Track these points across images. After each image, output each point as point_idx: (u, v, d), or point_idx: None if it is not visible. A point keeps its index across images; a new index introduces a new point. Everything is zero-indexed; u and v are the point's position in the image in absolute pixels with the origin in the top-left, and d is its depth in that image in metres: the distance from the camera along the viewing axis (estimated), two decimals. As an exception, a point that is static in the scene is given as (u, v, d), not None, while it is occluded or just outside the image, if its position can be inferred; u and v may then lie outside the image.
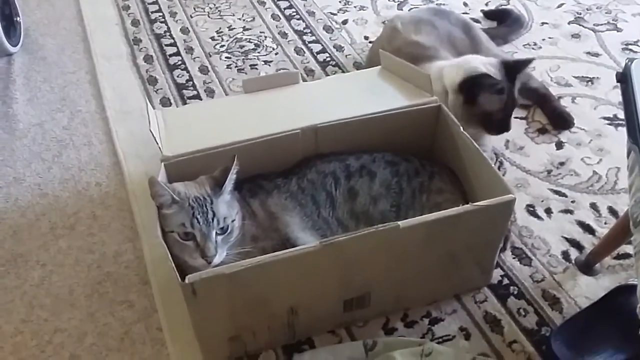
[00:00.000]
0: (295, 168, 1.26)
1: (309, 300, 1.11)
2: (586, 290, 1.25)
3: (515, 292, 1.26)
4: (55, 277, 1.32)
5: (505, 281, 1.28)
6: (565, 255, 1.33)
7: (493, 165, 1.22)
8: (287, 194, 1.20)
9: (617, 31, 1.97)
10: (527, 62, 1.50)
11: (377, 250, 1.07)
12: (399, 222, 1.04)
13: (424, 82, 1.32)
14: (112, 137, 1.66)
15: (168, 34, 2.04)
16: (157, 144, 1.19)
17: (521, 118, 1.67)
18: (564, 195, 1.46)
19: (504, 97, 1.44)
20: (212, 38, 2.01)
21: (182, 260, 1.07)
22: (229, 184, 1.10)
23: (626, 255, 1.31)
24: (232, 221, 1.10)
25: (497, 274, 1.28)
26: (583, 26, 2.00)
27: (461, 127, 1.24)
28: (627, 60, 0.92)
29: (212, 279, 0.97)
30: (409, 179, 1.24)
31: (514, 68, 1.47)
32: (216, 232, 1.07)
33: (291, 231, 1.15)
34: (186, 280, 0.96)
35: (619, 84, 0.92)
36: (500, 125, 1.47)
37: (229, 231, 1.09)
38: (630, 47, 1.90)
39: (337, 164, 1.25)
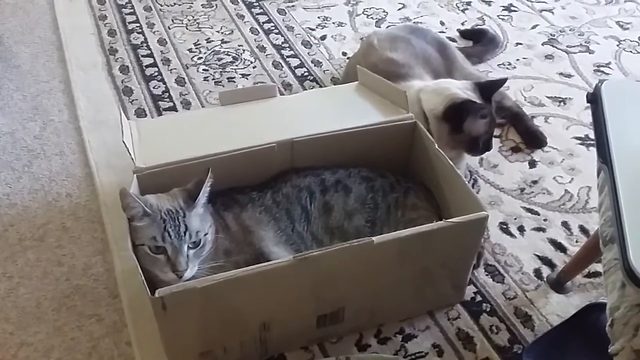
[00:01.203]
0: (270, 182, 1.25)
1: (282, 315, 1.10)
2: (557, 308, 1.27)
3: (488, 309, 1.26)
4: (23, 290, 1.29)
5: (478, 298, 1.28)
6: (538, 272, 1.34)
7: (467, 182, 1.23)
8: (262, 207, 1.19)
9: (589, 53, 2.02)
10: (501, 82, 1.51)
11: (351, 265, 1.06)
12: (373, 238, 1.03)
13: (400, 99, 1.33)
14: (85, 147, 1.63)
15: (145, 44, 2.02)
16: (130, 154, 1.18)
17: (495, 136, 1.68)
18: (536, 213, 1.47)
19: (488, 119, 1.44)
20: (190, 50, 2.00)
21: (153, 274, 1.05)
22: (202, 197, 1.09)
23: (597, 274, 1.32)
24: (205, 235, 1.08)
25: (470, 290, 1.29)
26: (556, 47, 2.04)
27: (436, 145, 1.25)
28: (597, 82, 0.94)
29: (183, 293, 0.96)
30: (384, 195, 1.24)
31: (488, 89, 1.48)
32: (188, 246, 1.06)
33: (265, 245, 1.14)
34: (156, 294, 0.94)
35: (589, 105, 0.94)
36: (484, 146, 1.46)
37: (201, 245, 1.07)
38: (601, 68, 1.95)
39: (313, 178, 1.24)
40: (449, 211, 1.24)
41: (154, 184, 1.16)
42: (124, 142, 1.18)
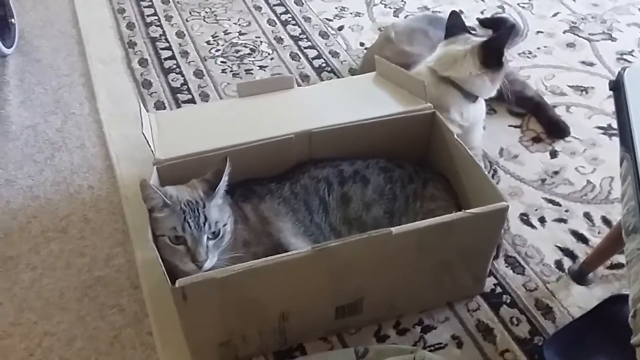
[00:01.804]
0: (288, 173, 1.25)
1: (301, 306, 1.10)
2: (579, 300, 1.25)
3: (508, 301, 1.25)
4: (46, 280, 1.31)
5: (498, 290, 1.27)
6: (559, 264, 1.32)
7: (486, 173, 1.22)
8: (280, 199, 1.19)
9: (612, 41, 1.98)
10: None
11: (369, 257, 1.06)
12: (392, 228, 1.03)
13: (419, 89, 1.32)
14: (105, 140, 1.65)
15: (163, 37, 2.03)
16: (150, 146, 1.19)
17: (516, 126, 1.67)
18: (557, 204, 1.46)
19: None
20: (208, 42, 2.00)
21: (173, 265, 1.06)
22: (221, 187, 1.10)
23: (619, 265, 1.31)
24: (224, 225, 1.09)
25: (490, 282, 1.28)
26: (578, 35, 2.01)
27: (455, 135, 1.24)
28: (620, 69, 0.92)
29: (203, 284, 0.97)
30: (403, 186, 1.24)
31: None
32: (207, 237, 1.06)
33: (283, 236, 1.14)
34: (176, 284, 0.95)
35: (612, 93, 0.92)
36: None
37: (220, 236, 1.08)
38: (624, 56, 1.91)
39: (331, 169, 1.24)
40: (468, 202, 1.23)
41: (173, 176, 1.17)
42: (143, 134, 1.18)
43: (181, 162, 1.20)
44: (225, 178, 1.10)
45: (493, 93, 1.45)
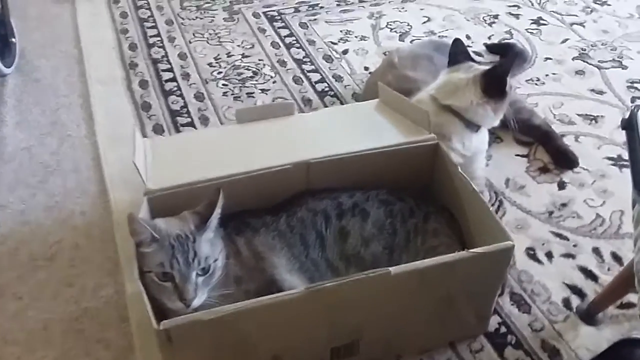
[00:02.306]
0: (285, 204, 1.21)
1: (294, 347, 1.05)
2: (587, 341, 1.19)
3: (513, 342, 1.19)
4: (31, 312, 1.26)
5: (503, 329, 1.22)
6: (566, 302, 1.27)
7: (491, 207, 1.17)
8: (275, 232, 1.15)
9: (622, 68, 1.93)
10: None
11: (367, 297, 1.01)
12: (391, 268, 0.98)
13: (422, 118, 1.28)
14: (101, 163, 1.61)
15: (165, 59, 2.00)
16: (141, 176, 1.14)
17: (522, 156, 1.62)
18: (565, 238, 1.40)
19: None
20: (210, 64, 1.97)
21: (161, 302, 1.01)
22: (213, 220, 1.05)
23: (630, 305, 1.24)
24: (215, 261, 1.04)
25: (494, 321, 1.22)
26: (588, 62, 1.96)
27: (459, 167, 1.19)
28: (632, 107, 0.88)
29: (189, 325, 0.92)
30: (403, 220, 1.19)
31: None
32: (197, 273, 1.01)
33: (277, 273, 1.09)
34: (161, 327, 0.90)
35: (624, 131, 0.87)
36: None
37: (210, 272, 1.03)
38: (635, 84, 1.86)
39: (329, 201, 1.20)
40: (472, 238, 1.18)
41: (165, 207, 1.13)
42: (133, 162, 1.14)
43: (174, 192, 1.15)
44: (217, 211, 1.06)
45: (496, 123, 1.41)
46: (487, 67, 1.39)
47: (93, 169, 1.60)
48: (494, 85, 1.35)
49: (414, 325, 1.11)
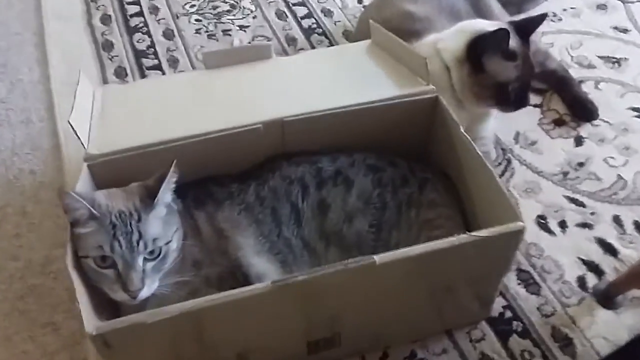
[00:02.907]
0: (255, 171, 1.02)
1: (262, 344, 0.89)
2: (605, 329, 1.03)
3: (519, 329, 1.04)
4: (-31, 290, 1.11)
5: (508, 314, 1.06)
6: (581, 281, 1.10)
7: (497, 173, 0.98)
8: (242, 205, 0.97)
9: (650, 2, 1.70)
10: (540, 19, 1.25)
11: (347, 289, 0.84)
12: (375, 257, 0.80)
13: (419, 66, 1.07)
14: (54, 114, 1.41)
15: (131, -11, 1.77)
16: (79, 138, 0.95)
17: (535, 105, 1.42)
18: (581, 204, 1.22)
19: (519, 63, 1.19)
20: (182, -4, 1.74)
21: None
22: (162, 196, 0.87)
23: (655, 284, 1.08)
24: (167, 243, 0.87)
25: (498, 304, 1.06)
26: (611, -5, 1.73)
27: (461, 128, 1.00)
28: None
29: (129, 329, 0.75)
30: (395, 190, 1.00)
31: (524, 28, 1.22)
32: (144, 258, 0.84)
33: (243, 255, 0.92)
34: (94, 332, 0.74)
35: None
36: (517, 98, 1.21)
37: (161, 256, 0.86)
38: (664, 22, 1.64)
39: (307, 167, 1.01)
40: (475, 211, 1.00)
41: (112, 176, 0.95)
42: (69, 122, 0.95)
43: (121, 157, 0.97)
44: (170, 185, 0.87)
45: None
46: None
47: (46, 120, 1.41)
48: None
49: (405, 314, 0.95)
